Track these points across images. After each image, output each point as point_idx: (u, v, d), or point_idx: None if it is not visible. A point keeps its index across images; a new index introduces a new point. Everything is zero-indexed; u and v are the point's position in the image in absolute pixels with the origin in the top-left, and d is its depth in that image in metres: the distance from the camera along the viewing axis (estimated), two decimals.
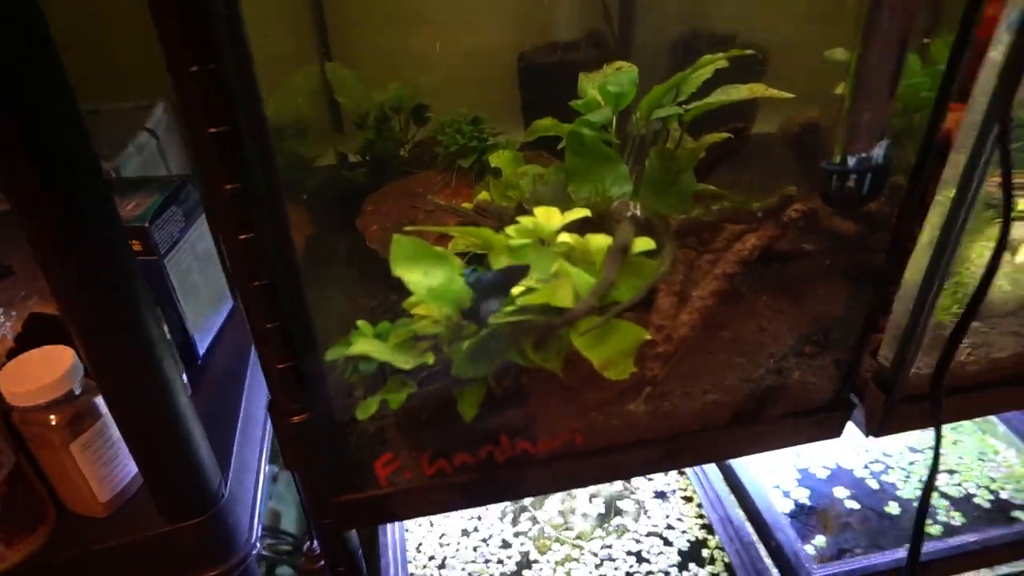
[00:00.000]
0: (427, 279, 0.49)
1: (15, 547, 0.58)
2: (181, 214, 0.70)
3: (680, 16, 0.83)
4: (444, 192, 0.74)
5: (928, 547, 0.83)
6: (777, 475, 0.96)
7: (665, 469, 0.74)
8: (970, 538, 0.84)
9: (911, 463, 0.98)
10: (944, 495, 0.93)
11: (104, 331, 0.46)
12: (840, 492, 0.94)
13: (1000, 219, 0.56)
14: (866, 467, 0.98)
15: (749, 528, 0.88)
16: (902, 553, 0.83)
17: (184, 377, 0.70)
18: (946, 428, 1.03)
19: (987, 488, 0.93)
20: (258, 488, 0.70)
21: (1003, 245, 0.47)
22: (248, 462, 0.69)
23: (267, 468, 0.75)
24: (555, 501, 0.93)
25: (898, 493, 0.94)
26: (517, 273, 0.48)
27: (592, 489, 0.95)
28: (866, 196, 0.47)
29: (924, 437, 1.02)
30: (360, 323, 0.51)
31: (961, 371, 0.58)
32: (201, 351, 0.76)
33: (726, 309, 0.56)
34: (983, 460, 0.98)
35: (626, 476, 0.90)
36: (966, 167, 0.46)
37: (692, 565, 0.86)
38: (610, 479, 0.59)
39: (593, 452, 0.54)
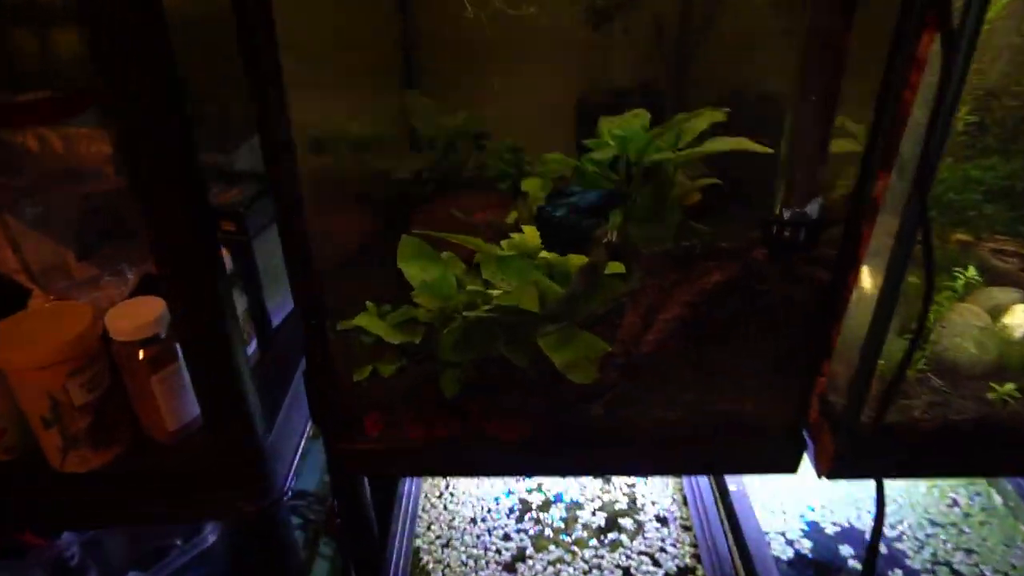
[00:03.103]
0: (423, 274, 0.60)
1: (99, 454, 0.73)
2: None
3: (729, 76, 0.90)
4: (487, 209, 0.84)
5: None
6: (786, 521, 0.97)
7: (616, 473, 0.76)
8: None
9: (928, 535, 0.96)
10: (957, 573, 0.91)
11: (185, 292, 0.58)
12: (846, 551, 0.94)
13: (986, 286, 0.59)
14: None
15: (737, 564, 0.90)
16: None
17: (255, 342, 0.84)
18: (976, 506, 1.00)
19: (1004, 575, 0.90)
20: (298, 447, 0.82)
21: (928, 305, 0.51)
22: (294, 423, 0.81)
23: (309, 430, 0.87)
24: (560, 508, 1.00)
25: (907, 562, 0.93)
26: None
27: (597, 502, 1.00)
28: (802, 246, 0.53)
29: (947, 512, 0.99)
30: (368, 304, 0.62)
31: (915, 428, 0.61)
32: (276, 321, 0.91)
33: (689, 333, 0.62)
34: (1008, 546, 0.94)
35: (578, 474, 0.94)
36: (899, 229, 0.51)
37: None
38: (564, 474, 0.66)
39: (551, 445, 0.63)
